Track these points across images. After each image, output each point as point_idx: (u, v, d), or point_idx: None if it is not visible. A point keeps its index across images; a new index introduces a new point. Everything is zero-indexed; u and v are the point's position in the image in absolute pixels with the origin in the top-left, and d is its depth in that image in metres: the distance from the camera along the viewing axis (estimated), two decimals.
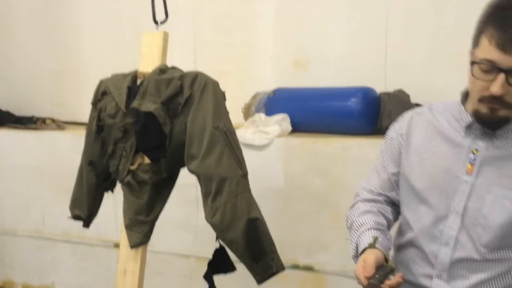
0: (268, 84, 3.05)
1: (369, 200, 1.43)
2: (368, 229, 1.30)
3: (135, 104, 1.69)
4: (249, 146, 2.57)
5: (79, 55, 3.61)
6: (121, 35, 3.40)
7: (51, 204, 3.21)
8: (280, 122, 2.66)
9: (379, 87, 2.75)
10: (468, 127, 1.22)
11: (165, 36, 1.82)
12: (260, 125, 2.65)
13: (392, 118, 2.48)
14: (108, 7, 3.50)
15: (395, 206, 1.43)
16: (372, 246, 1.21)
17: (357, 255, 1.28)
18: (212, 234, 2.80)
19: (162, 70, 1.74)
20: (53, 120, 3.38)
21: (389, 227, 1.38)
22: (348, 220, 1.43)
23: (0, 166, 3.34)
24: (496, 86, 1.05)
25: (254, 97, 2.99)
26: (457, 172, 1.19)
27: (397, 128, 1.42)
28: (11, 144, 3.30)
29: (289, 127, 2.67)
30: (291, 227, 2.62)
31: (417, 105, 2.68)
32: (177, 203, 2.77)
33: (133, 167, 1.73)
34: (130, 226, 1.79)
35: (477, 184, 1.16)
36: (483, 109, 1.13)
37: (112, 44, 3.44)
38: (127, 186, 1.78)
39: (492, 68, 1.06)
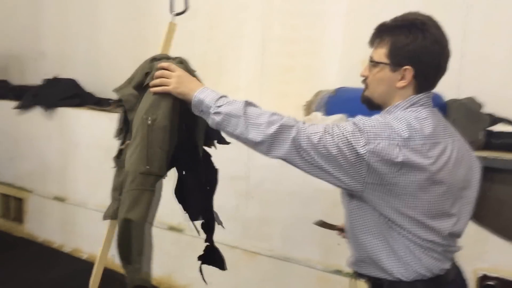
0: (333, 82, 2.97)
1: None
2: None
3: (116, 88, 1.68)
4: None
5: (158, 42, 3.76)
6: (197, 25, 3.49)
7: None
8: (337, 122, 2.56)
9: (451, 94, 2.56)
10: None
11: (171, 26, 1.78)
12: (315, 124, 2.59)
13: (456, 128, 2.30)
14: None
15: None
16: None
17: None
18: (260, 227, 2.82)
19: (155, 58, 1.67)
20: None
21: None
22: None
23: (77, 143, 3.61)
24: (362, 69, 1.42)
25: (316, 95, 2.93)
26: None
27: None
28: (88, 123, 3.55)
29: None
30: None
31: (490, 115, 2.46)
32: (229, 195, 2.82)
33: (121, 147, 1.71)
34: (110, 199, 1.80)
35: None
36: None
37: (188, 33, 3.56)
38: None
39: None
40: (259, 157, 2.95)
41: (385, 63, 1.33)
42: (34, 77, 4.43)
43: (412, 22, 1.32)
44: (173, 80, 1.48)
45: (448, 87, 2.61)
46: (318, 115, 2.62)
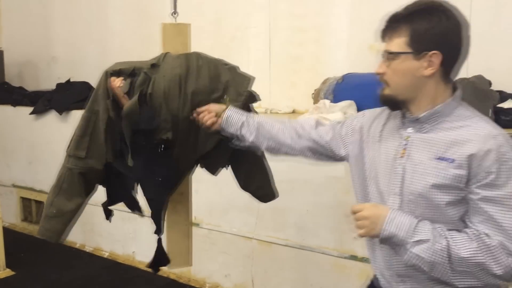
0: (341, 69, 2.96)
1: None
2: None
3: None
4: None
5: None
6: (204, 19, 3.51)
7: None
8: (346, 109, 2.58)
9: (460, 73, 2.54)
10: (403, 117, 1.34)
11: (160, 26, 1.84)
12: (323, 111, 2.60)
13: None
14: None
15: (312, 153, 1.62)
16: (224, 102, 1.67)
17: None
18: (274, 217, 2.84)
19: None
20: None
21: (281, 144, 1.63)
22: None
23: None
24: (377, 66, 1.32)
25: (324, 82, 2.93)
26: (395, 158, 1.31)
27: (361, 120, 1.51)
28: None
29: (354, 115, 2.58)
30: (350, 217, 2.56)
31: (499, 92, 2.44)
32: None
33: None
34: None
35: (407, 165, 1.27)
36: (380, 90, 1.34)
37: (195, 27, 3.57)
38: None
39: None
40: None
41: (407, 52, 1.24)
42: (48, 82, 4.52)
43: (429, 5, 1.24)
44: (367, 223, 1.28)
45: None
46: (326, 103, 2.63)
